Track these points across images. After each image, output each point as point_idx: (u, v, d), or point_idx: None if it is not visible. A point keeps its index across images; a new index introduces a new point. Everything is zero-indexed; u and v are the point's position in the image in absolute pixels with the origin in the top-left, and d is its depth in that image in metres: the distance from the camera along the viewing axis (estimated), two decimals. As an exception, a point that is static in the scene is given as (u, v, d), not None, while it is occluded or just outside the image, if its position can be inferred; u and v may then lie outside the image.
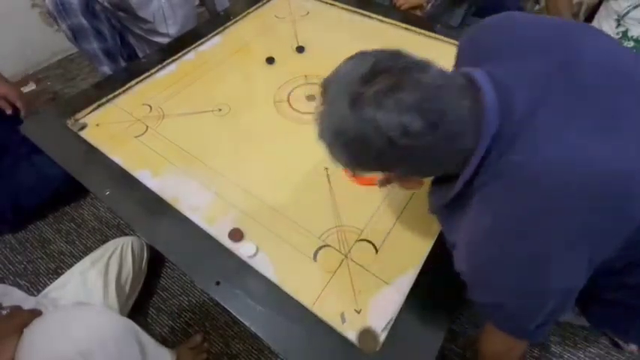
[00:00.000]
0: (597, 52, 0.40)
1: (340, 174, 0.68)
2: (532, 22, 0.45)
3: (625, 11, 1.13)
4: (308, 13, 1.10)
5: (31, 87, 1.59)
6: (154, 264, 1.00)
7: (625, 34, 1.14)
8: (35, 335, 0.53)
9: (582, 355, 0.87)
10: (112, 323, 0.59)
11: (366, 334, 0.49)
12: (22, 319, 0.55)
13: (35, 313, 0.58)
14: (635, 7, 1.11)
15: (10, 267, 1.03)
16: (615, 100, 0.37)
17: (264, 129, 0.78)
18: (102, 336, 0.55)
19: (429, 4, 1.25)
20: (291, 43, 0.99)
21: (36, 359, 0.51)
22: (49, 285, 0.78)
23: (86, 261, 0.81)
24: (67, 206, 1.17)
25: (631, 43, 1.13)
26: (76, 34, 1.09)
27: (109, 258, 0.82)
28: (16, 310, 0.58)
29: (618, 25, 1.15)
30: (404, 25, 1.02)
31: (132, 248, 0.86)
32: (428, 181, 0.50)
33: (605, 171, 0.33)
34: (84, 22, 1.07)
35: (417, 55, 0.40)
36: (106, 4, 1.11)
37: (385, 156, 0.36)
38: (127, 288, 0.84)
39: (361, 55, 0.40)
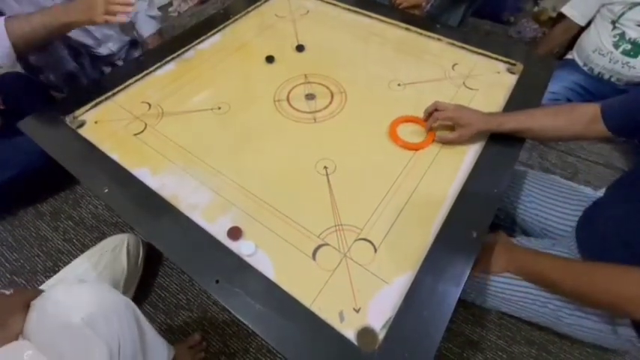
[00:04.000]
0: None
1: (339, 174, 0.69)
2: None
3: (620, 12, 1.14)
4: (308, 12, 1.10)
5: None
6: (152, 262, 1.00)
7: (622, 36, 1.15)
8: (42, 304, 0.54)
9: (578, 354, 0.87)
10: (115, 298, 0.60)
11: (365, 332, 0.49)
12: (26, 296, 0.56)
13: (38, 292, 0.58)
14: (630, 8, 1.12)
15: (7, 265, 1.03)
16: None
17: (264, 128, 0.78)
18: (106, 308, 0.56)
19: (428, 4, 1.25)
20: (291, 42, 0.99)
21: (44, 326, 0.52)
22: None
23: (81, 258, 0.81)
24: (65, 204, 1.16)
25: (628, 46, 1.14)
26: (68, 81, 1.11)
27: (104, 255, 0.82)
28: (20, 289, 0.59)
29: (614, 27, 1.16)
30: (404, 25, 1.02)
31: (127, 245, 0.86)
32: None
33: None
34: (74, 65, 1.10)
35: None
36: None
37: None
38: (122, 285, 0.83)
39: None
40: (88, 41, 1.17)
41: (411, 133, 0.76)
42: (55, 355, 0.51)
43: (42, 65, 1.09)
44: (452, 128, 0.73)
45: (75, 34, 1.13)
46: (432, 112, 0.74)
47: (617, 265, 0.58)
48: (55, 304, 0.54)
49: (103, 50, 1.21)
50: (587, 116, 0.66)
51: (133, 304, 0.64)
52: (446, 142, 0.73)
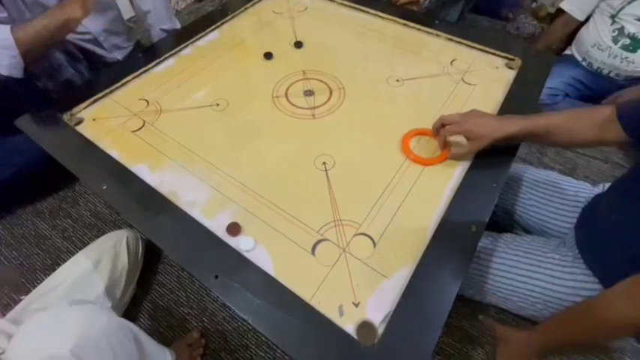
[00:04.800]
0: None
1: (338, 169, 0.69)
2: None
3: (620, 7, 1.14)
4: (306, 8, 1.10)
5: None
6: (151, 260, 1.00)
7: (621, 31, 1.15)
8: (27, 333, 0.53)
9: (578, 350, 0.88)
10: (105, 322, 0.59)
11: (364, 326, 0.49)
12: None
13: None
14: (629, 2, 1.12)
15: (6, 263, 1.03)
16: None
17: (263, 124, 0.78)
18: (94, 334, 0.55)
19: (427, 0, 1.25)
20: (290, 38, 0.99)
21: (29, 355, 0.51)
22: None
23: (79, 256, 0.81)
24: (64, 203, 1.16)
25: (627, 41, 1.14)
26: (66, 88, 1.11)
27: (105, 252, 0.82)
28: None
29: (613, 22, 1.16)
30: (402, 21, 1.02)
31: (126, 241, 0.86)
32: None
33: None
34: (72, 72, 1.11)
35: None
36: (80, 43, 1.15)
37: None
38: (123, 282, 0.83)
39: None
40: (98, 51, 1.20)
41: (424, 147, 0.71)
42: None
43: (39, 72, 1.09)
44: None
45: (87, 45, 1.17)
46: (439, 128, 0.68)
47: (610, 292, 0.56)
48: (40, 334, 0.53)
49: (110, 59, 1.24)
50: (602, 117, 0.62)
51: (126, 322, 0.63)
52: (461, 160, 0.67)
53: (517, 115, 0.66)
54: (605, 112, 0.62)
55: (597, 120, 0.63)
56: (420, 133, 0.74)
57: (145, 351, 0.64)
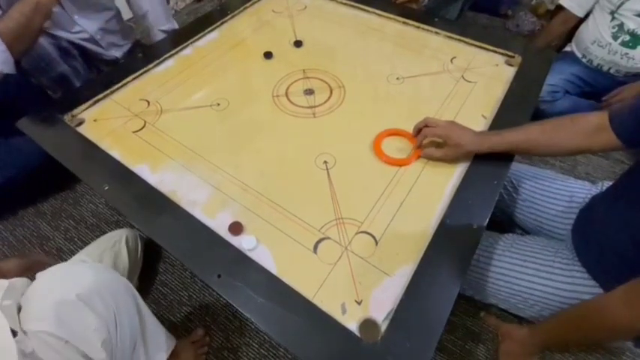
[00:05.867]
0: None
1: (339, 168, 0.69)
2: None
3: (619, 2, 1.13)
4: (305, 7, 1.10)
5: None
6: (152, 259, 1.00)
7: (621, 27, 1.15)
8: (41, 281, 0.56)
9: (578, 348, 0.88)
10: (112, 278, 0.61)
11: (367, 324, 0.50)
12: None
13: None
14: None
15: (9, 264, 1.03)
16: None
17: (263, 123, 0.78)
18: (100, 285, 0.57)
19: (426, -2, 1.25)
20: (289, 37, 0.99)
21: (40, 297, 0.53)
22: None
23: (79, 255, 0.81)
24: (66, 203, 1.16)
25: (627, 37, 1.14)
26: (60, 83, 1.12)
27: (105, 252, 0.82)
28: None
29: (613, 18, 1.16)
30: (402, 19, 1.02)
31: (126, 240, 0.86)
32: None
33: None
34: (65, 67, 1.11)
35: None
36: (76, 41, 1.15)
37: None
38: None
39: None
40: (96, 49, 1.21)
41: (397, 148, 0.72)
42: (55, 324, 0.51)
43: (32, 68, 1.09)
44: (441, 144, 0.68)
45: (84, 43, 1.17)
46: (421, 129, 0.69)
47: (605, 297, 0.56)
48: (52, 282, 0.55)
49: (108, 57, 1.24)
50: (591, 125, 0.61)
51: (133, 287, 0.64)
52: (431, 160, 0.69)
53: (497, 130, 0.68)
54: (592, 119, 0.62)
55: (584, 128, 0.62)
56: (392, 133, 0.74)
57: (144, 321, 0.65)
